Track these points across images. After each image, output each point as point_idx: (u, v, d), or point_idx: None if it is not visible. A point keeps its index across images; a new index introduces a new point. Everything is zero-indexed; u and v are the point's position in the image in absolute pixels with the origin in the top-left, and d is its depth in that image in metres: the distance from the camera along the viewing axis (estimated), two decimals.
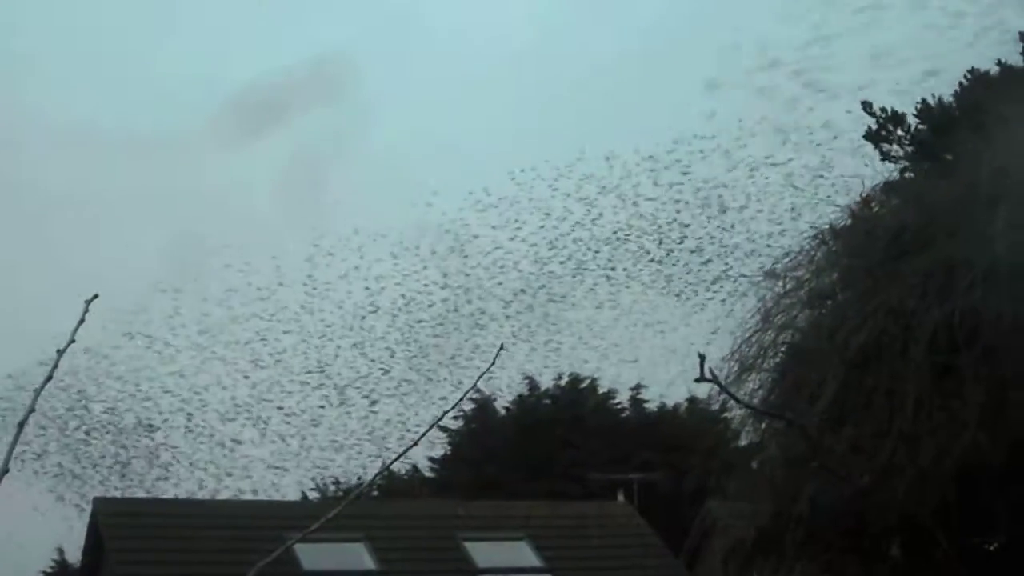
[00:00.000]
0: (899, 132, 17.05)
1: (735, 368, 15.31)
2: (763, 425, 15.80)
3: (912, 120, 17.36)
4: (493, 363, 4.73)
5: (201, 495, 39.58)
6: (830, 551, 15.14)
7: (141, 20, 57.22)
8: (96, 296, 3.59)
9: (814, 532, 14.53)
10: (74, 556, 36.56)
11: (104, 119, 53.07)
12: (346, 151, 58.84)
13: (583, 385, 43.33)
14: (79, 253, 47.25)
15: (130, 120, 52.64)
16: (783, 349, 15.76)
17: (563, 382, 43.14)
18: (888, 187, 16.55)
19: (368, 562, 25.03)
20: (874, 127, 18.22)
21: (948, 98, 17.60)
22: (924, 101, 17.31)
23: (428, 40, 59.97)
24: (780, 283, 16.07)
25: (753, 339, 15.58)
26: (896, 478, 13.27)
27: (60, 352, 3.49)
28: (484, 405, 42.56)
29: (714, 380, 3.59)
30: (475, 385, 5.05)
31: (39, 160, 52.27)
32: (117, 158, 52.26)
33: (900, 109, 17.86)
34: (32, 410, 3.40)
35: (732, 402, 15.89)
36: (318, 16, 57.07)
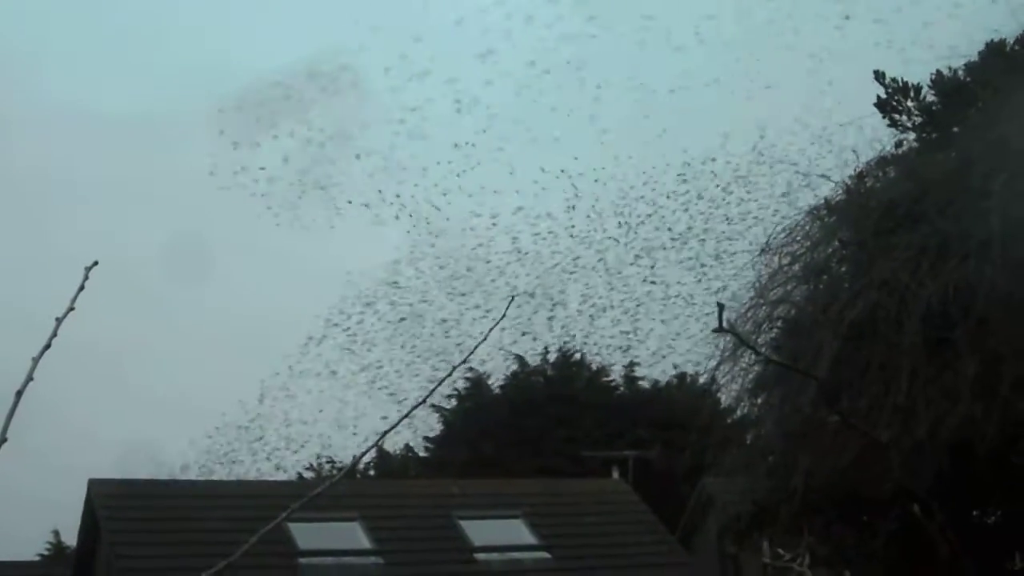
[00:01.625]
0: (909, 103, 16.76)
1: (731, 342, 15.31)
2: (759, 400, 15.81)
3: (926, 91, 17.06)
4: (486, 336, 4.71)
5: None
6: (827, 523, 15.19)
7: (141, 20, 57.19)
8: (96, 263, 3.60)
9: (810, 504, 14.56)
10: (70, 538, 36.62)
11: (104, 117, 53.08)
12: (346, 151, 58.90)
13: (573, 359, 43.36)
14: (78, 245, 47.28)
15: (130, 119, 52.62)
16: (778, 324, 15.75)
17: (552, 358, 43.16)
18: (883, 161, 16.46)
19: (363, 541, 25.07)
20: (884, 96, 17.70)
21: (963, 68, 17.27)
22: (938, 72, 17.04)
23: (428, 39, 60.11)
24: (775, 258, 16.06)
25: (748, 314, 15.58)
26: (891, 451, 13.29)
27: (59, 320, 3.51)
28: (478, 383, 42.58)
29: (732, 331, 3.57)
30: (466, 359, 5.03)
31: (38, 147, 52.32)
32: (117, 155, 52.31)
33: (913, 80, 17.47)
34: (30, 379, 3.40)
35: (725, 378, 15.90)
36: (318, 16, 56.97)
